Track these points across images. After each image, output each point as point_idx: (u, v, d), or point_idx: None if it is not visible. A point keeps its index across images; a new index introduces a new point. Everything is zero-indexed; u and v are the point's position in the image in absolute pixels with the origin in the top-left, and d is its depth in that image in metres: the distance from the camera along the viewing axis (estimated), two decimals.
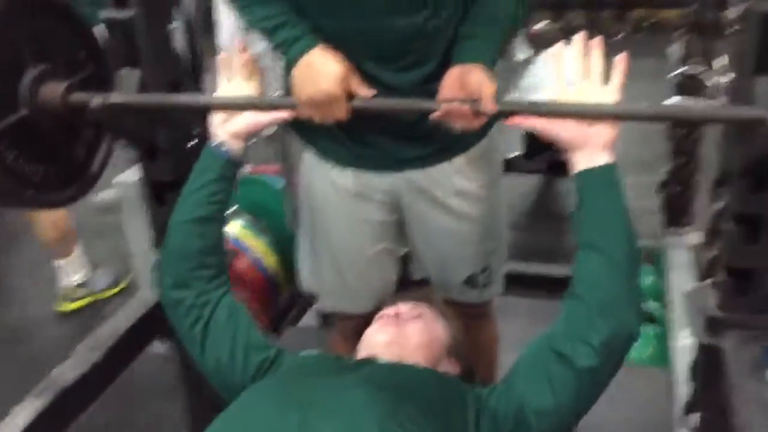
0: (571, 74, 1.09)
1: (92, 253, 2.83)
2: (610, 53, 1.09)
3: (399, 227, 1.43)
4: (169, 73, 1.40)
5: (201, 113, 1.29)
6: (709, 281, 1.40)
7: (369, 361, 1.16)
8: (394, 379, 1.09)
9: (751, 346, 1.20)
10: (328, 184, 1.37)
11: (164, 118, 1.41)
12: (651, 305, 2.19)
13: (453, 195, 1.35)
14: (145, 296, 1.47)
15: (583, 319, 1.03)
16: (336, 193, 1.37)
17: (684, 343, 2.03)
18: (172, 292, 1.21)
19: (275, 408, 1.02)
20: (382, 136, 1.30)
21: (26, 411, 1.17)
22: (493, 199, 1.40)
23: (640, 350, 2.02)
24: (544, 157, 3.21)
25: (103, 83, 1.39)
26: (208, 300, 1.20)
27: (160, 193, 1.49)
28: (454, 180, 1.34)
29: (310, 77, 1.18)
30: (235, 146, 1.23)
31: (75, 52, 1.38)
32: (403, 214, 1.40)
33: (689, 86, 2.35)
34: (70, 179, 1.40)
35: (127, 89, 1.34)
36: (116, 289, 2.77)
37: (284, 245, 2.46)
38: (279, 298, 2.23)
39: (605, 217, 1.05)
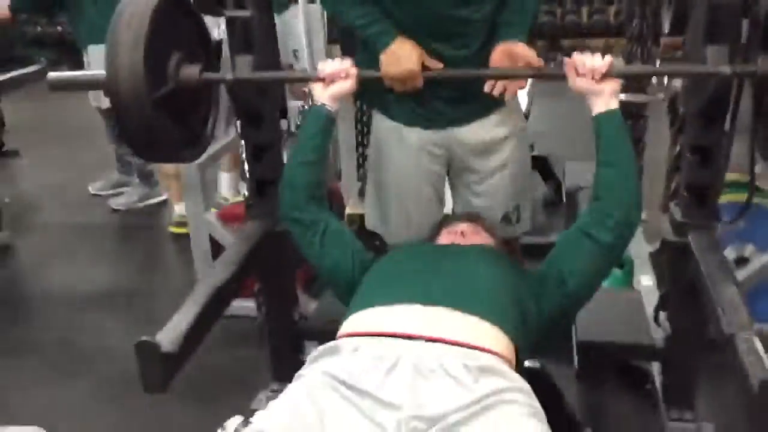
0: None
1: None
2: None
3: (445, 178, 1.89)
4: (272, 58, 1.83)
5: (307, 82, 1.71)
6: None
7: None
8: (486, 252, 1.56)
9: (709, 238, 1.71)
10: (396, 140, 1.83)
11: (268, 92, 1.84)
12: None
13: (493, 146, 1.82)
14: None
15: (603, 211, 1.50)
16: (403, 147, 1.82)
17: (645, 282, 2.60)
18: (292, 213, 1.63)
19: (418, 264, 1.48)
20: (438, 101, 1.77)
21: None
22: (521, 145, 1.88)
23: (615, 284, 2.54)
24: None
25: (212, 68, 1.81)
26: (320, 218, 1.63)
27: (259, 153, 1.91)
28: (494, 130, 1.81)
29: (395, 60, 1.65)
30: (334, 106, 1.67)
31: (196, 44, 1.80)
32: (452, 165, 1.86)
33: (634, 86, 2.95)
34: (194, 141, 1.81)
35: (243, 71, 1.76)
36: None
37: None
38: None
39: (617, 144, 1.53)
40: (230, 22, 1.78)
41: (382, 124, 1.86)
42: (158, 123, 1.61)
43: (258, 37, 1.77)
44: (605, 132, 1.54)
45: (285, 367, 2.04)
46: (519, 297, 1.43)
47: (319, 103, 1.67)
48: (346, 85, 1.65)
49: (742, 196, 1.99)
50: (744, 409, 1.26)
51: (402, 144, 1.82)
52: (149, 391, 1.40)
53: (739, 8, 1.55)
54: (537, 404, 1.22)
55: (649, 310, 2.15)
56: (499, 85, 1.64)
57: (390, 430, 1.13)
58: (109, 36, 1.55)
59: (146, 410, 2.19)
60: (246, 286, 2.26)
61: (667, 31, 2.98)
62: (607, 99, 1.53)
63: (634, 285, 2.60)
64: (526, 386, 1.24)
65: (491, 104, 1.79)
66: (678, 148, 1.84)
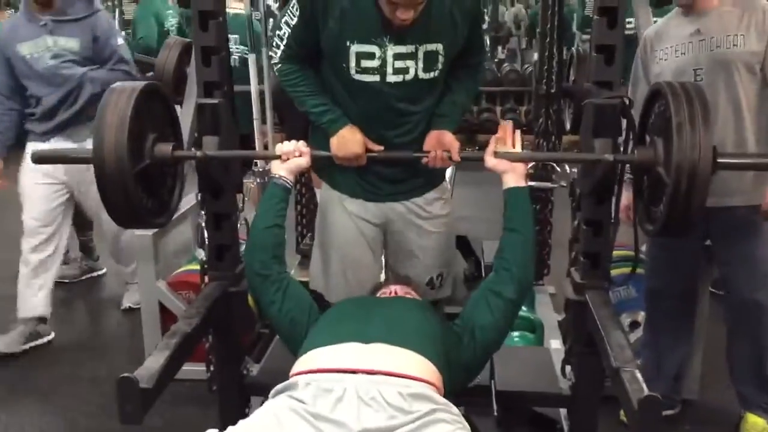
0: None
1: None
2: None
3: (383, 243, 2.19)
4: (234, 139, 2.12)
5: (268, 160, 2.00)
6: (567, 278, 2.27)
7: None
8: (415, 302, 1.84)
9: (602, 295, 2.05)
10: (340, 208, 2.12)
11: (230, 168, 2.11)
12: (533, 319, 3.06)
13: (423, 219, 2.14)
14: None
15: (508, 271, 1.82)
16: (346, 215, 2.12)
17: (555, 345, 2.93)
18: (261, 270, 1.88)
19: (357, 311, 1.73)
20: (379, 178, 2.08)
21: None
22: (448, 224, 2.21)
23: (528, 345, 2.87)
24: None
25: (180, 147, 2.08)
26: (283, 276, 1.89)
27: (219, 222, 2.15)
28: (425, 208, 2.14)
29: (343, 143, 1.97)
30: (290, 179, 1.97)
31: (168, 127, 2.07)
32: (388, 233, 2.17)
33: (542, 174, 3.40)
34: (163, 210, 2.05)
35: (210, 149, 2.04)
36: None
37: None
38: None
39: (522, 214, 1.88)
40: (201, 108, 2.07)
41: (328, 193, 2.16)
42: (136, 193, 1.85)
43: (223, 121, 2.06)
44: (514, 203, 1.88)
45: (233, 421, 2.22)
46: (443, 338, 1.71)
47: (277, 176, 1.96)
48: (301, 161, 1.95)
49: (628, 269, 2.33)
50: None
51: (344, 212, 2.12)
52: (126, 422, 1.58)
53: (618, 110, 1.95)
54: (464, 422, 1.48)
55: (557, 366, 2.47)
56: (431, 160, 1.97)
57: None
58: (97, 118, 1.81)
59: None
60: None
61: (568, 128, 3.47)
62: (518, 177, 1.89)
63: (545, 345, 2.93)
64: (454, 408, 1.51)
65: (425, 185, 2.12)
66: (576, 222, 2.20)
